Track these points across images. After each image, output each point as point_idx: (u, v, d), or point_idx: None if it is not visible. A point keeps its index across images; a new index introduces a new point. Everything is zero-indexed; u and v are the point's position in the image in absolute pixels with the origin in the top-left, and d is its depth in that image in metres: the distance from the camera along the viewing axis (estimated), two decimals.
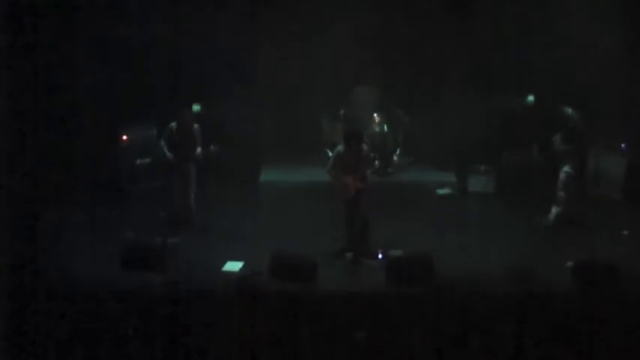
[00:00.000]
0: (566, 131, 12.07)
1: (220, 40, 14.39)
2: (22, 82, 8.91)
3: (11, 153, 8.79)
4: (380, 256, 10.84)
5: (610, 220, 12.34)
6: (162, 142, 12.16)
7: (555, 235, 11.91)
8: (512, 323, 8.72)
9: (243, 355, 8.59)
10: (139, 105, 13.70)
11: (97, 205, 12.59)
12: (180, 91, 13.87)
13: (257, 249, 10.63)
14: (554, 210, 12.20)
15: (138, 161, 14.05)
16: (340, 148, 11.06)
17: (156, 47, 13.87)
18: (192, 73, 14.22)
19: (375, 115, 15.57)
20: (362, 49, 14.99)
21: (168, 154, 12.07)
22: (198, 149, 12.09)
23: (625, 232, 11.84)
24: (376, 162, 15.11)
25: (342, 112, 15.61)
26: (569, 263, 9.73)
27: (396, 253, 10.69)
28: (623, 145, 13.80)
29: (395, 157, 15.73)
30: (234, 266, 10.51)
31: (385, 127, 15.53)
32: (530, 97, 14.81)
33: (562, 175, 12.14)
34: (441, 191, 14.38)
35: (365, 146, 11.18)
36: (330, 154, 12.30)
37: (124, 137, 14.05)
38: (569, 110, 12.08)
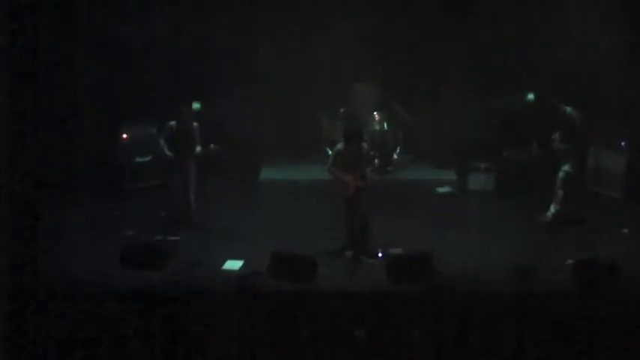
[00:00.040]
0: (566, 130, 12.09)
1: (220, 40, 14.40)
2: (22, 82, 8.91)
3: (11, 153, 8.79)
4: (380, 254, 10.85)
5: (610, 218, 12.34)
6: (162, 141, 12.17)
7: (555, 234, 11.91)
8: (512, 321, 8.73)
9: (242, 354, 8.59)
10: (138, 104, 13.72)
11: (97, 205, 12.62)
12: (180, 90, 13.87)
13: (257, 248, 10.64)
14: (552, 208, 12.22)
15: (138, 160, 14.06)
16: (340, 146, 11.06)
17: (156, 46, 13.88)
18: (192, 72, 14.23)
19: (375, 113, 15.56)
20: (362, 48, 14.96)
21: (168, 153, 12.08)
22: (198, 148, 12.10)
23: (625, 231, 11.85)
24: (376, 160, 15.12)
25: (342, 110, 15.60)
26: (569, 261, 9.74)
27: (396, 251, 10.71)
28: (623, 144, 13.80)
29: (395, 156, 15.71)
30: (234, 265, 10.53)
31: (385, 125, 15.52)
32: (530, 95, 14.80)
33: (561, 175, 12.15)
34: (441, 189, 14.37)
35: (365, 144, 11.17)
36: (330, 152, 12.31)
37: (124, 136, 14.06)
38: (569, 109, 12.10)
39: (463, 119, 14.38)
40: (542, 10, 14.08)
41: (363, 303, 9.04)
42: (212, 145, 12.23)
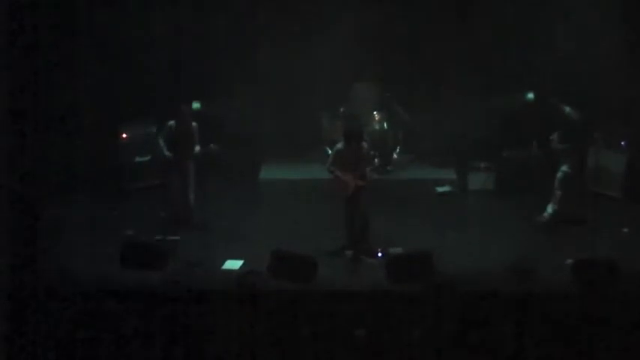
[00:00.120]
0: (565, 129, 12.09)
1: (220, 40, 14.40)
2: (22, 82, 8.90)
3: (11, 153, 8.79)
4: (380, 254, 10.86)
5: (610, 218, 12.35)
6: (161, 141, 12.16)
7: (555, 233, 11.92)
8: (512, 321, 8.72)
9: (242, 354, 8.57)
10: (138, 103, 13.72)
11: (96, 205, 12.62)
12: (179, 90, 13.88)
13: (257, 247, 10.65)
14: (549, 208, 12.22)
15: (137, 159, 14.06)
16: (340, 145, 11.07)
17: (156, 46, 13.88)
18: (192, 72, 14.24)
19: (375, 113, 15.56)
20: (362, 48, 14.97)
21: (167, 153, 12.07)
22: (197, 147, 12.10)
23: (625, 230, 11.85)
24: (376, 160, 15.09)
25: (341, 109, 15.61)
26: (569, 261, 9.74)
27: (396, 250, 10.72)
28: (622, 143, 13.81)
29: (395, 155, 15.72)
30: (233, 265, 10.53)
31: (385, 125, 15.52)
32: (530, 95, 14.82)
33: (559, 175, 12.15)
34: (440, 189, 14.37)
35: (365, 144, 11.17)
36: (330, 151, 12.31)
37: (124, 135, 14.07)
38: (568, 109, 12.10)
39: (463, 119, 14.40)
40: (542, 10, 14.09)
41: (363, 303, 9.02)
42: (212, 145, 12.23)
